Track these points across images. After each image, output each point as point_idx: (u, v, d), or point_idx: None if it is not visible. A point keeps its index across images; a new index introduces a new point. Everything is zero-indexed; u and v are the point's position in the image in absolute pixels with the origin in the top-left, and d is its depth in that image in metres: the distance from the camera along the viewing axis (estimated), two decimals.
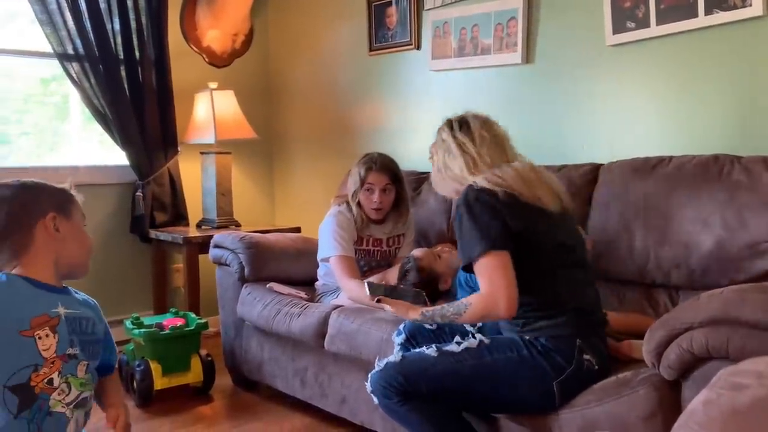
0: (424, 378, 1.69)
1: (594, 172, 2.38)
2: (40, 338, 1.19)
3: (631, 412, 1.54)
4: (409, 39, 3.18)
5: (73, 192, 1.43)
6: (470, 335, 1.80)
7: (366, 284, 1.99)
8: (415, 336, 1.94)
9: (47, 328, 1.21)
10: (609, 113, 2.56)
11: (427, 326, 1.94)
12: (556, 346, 1.67)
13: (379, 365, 1.77)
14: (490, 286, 1.64)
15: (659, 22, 2.35)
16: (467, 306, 1.68)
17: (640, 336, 1.67)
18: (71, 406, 1.23)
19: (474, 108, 2.94)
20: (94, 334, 1.31)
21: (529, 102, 2.81)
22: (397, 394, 1.70)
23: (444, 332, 1.92)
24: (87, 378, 1.27)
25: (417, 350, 1.79)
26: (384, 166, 2.58)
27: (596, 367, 1.67)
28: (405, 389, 1.69)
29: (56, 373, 1.20)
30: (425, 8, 3.11)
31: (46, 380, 1.18)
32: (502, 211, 1.67)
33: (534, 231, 1.70)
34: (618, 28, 2.46)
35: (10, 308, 1.21)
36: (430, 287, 2.28)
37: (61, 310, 1.26)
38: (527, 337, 1.70)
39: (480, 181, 1.72)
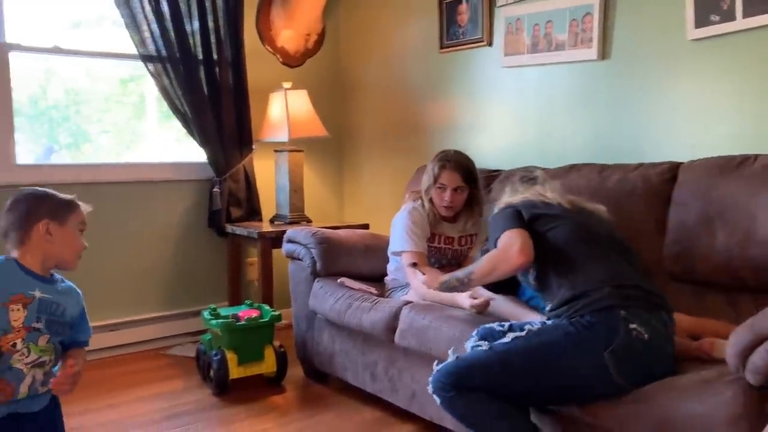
0: (476, 370, 1.77)
1: (673, 170, 2.31)
2: (12, 311, 1.54)
3: (715, 414, 1.50)
4: (480, 36, 3.17)
5: (77, 203, 1.78)
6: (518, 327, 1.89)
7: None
8: (487, 339, 1.94)
9: (20, 304, 1.56)
10: (689, 111, 2.48)
11: (497, 327, 1.95)
12: (600, 320, 1.70)
13: (437, 367, 1.83)
14: (502, 243, 1.90)
15: (746, 14, 2.26)
16: (479, 261, 1.93)
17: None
18: (29, 366, 1.56)
19: (549, 105, 2.95)
20: (61, 317, 1.62)
21: (604, 99, 2.75)
22: (453, 388, 1.76)
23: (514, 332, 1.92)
24: (46, 347, 1.59)
25: (469, 351, 1.86)
26: (458, 165, 2.56)
27: (646, 336, 1.67)
28: (459, 383, 1.75)
29: (20, 339, 1.54)
30: (497, 5, 3.09)
31: (10, 343, 1.53)
32: (518, 212, 2.00)
33: (552, 218, 1.94)
34: (701, 21, 2.38)
35: (4, 282, 1.56)
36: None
37: (37, 293, 1.59)
38: (573, 319, 1.75)
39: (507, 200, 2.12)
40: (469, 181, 2.59)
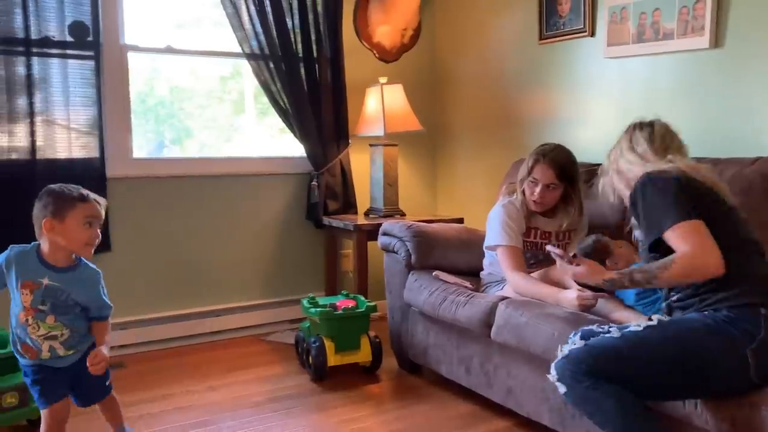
0: (612, 358, 1.66)
1: None
2: (22, 294, 1.89)
3: None
4: (582, 26, 3.08)
5: (81, 200, 1.91)
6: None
7: (548, 249, 2.00)
8: (588, 338, 1.87)
9: (28, 289, 1.88)
10: None
11: (597, 329, 1.85)
12: (739, 316, 1.61)
13: (562, 352, 1.74)
14: (693, 246, 1.63)
15: None
16: (670, 264, 1.64)
17: None
18: (41, 338, 1.91)
19: (655, 96, 2.83)
20: (66, 301, 1.91)
21: (716, 90, 2.61)
22: (588, 377, 1.65)
23: None
24: (54, 325, 1.91)
25: (599, 337, 1.75)
26: (553, 161, 2.49)
27: None
28: (595, 371, 1.65)
29: (30, 317, 1.89)
30: None
31: (24, 319, 1.90)
32: (684, 187, 1.71)
33: (711, 207, 1.71)
34: None
35: (22, 268, 1.90)
36: (600, 255, 2.21)
37: (45, 281, 1.89)
38: (706, 312, 1.66)
39: (652, 167, 1.81)
40: (564, 178, 2.51)
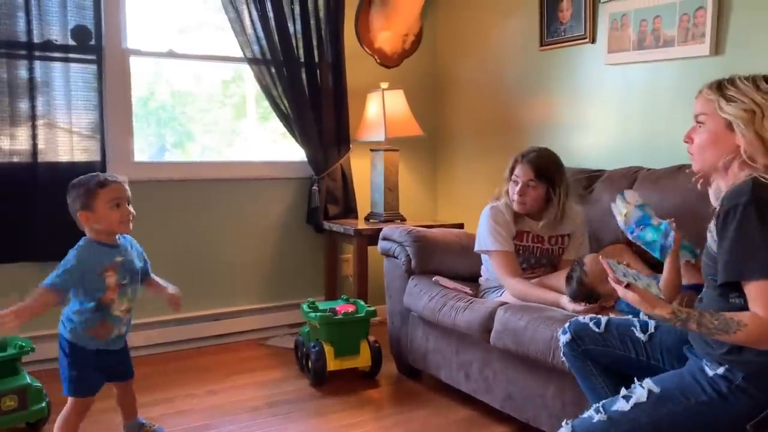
0: None
1: None
2: (108, 277, 2.04)
3: None
4: (583, 32, 3.09)
5: (102, 185, 2.04)
6: (636, 384, 1.60)
7: (605, 262, 1.66)
8: (581, 337, 1.86)
9: (112, 270, 2.05)
10: None
11: (594, 329, 1.84)
12: (754, 385, 1.47)
13: None
14: None
15: None
16: (740, 327, 1.43)
17: None
18: (123, 311, 2.11)
19: (656, 103, 2.83)
20: (134, 268, 2.13)
21: None
22: None
23: (612, 336, 1.81)
24: (132, 296, 2.13)
25: (585, 416, 1.62)
26: (531, 160, 2.52)
27: None
28: None
29: (116, 294, 2.07)
30: (602, 1, 3.00)
31: (110, 298, 2.06)
32: None
33: None
34: None
35: (96, 260, 2.03)
36: (590, 300, 2.20)
37: (118, 259, 2.08)
38: (719, 371, 1.51)
39: None
40: (543, 177, 2.52)
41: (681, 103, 2.75)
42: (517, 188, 2.53)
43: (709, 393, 1.51)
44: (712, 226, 1.54)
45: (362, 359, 2.87)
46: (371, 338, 2.92)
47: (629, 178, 2.71)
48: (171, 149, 3.64)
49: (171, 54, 3.43)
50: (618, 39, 2.93)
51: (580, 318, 1.90)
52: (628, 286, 1.58)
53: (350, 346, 2.86)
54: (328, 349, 2.81)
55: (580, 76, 3.17)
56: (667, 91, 2.79)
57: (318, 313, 2.84)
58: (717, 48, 2.58)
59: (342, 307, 2.93)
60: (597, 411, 1.59)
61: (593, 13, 3.05)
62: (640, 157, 2.84)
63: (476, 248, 2.66)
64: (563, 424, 1.65)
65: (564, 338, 1.89)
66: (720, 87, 1.59)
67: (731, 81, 1.59)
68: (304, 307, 2.96)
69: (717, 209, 1.53)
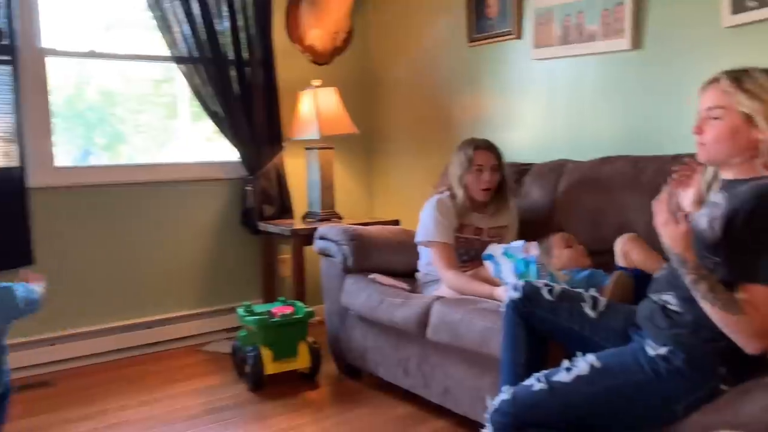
0: (537, 413, 1.64)
1: None
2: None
3: (753, 423, 1.44)
4: (510, 28, 3.14)
5: None
6: (579, 357, 1.67)
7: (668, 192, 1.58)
8: (531, 299, 1.85)
9: None
10: None
11: (547, 295, 1.84)
12: (692, 368, 1.54)
13: (493, 404, 1.70)
14: (764, 322, 1.44)
15: None
16: (739, 312, 1.45)
17: None
18: None
19: (580, 97, 2.91)
20: None
21: (637, 89, 2.71)
22: (513, 429, 1.65)
23: (562, 307, 1.83)
24: None
25: (526, 383, 1.68)
26: (490, 145, 2.63)
27: (730, 389, 1.54)
28: (520, 424, 1.64)
29: None
30: None
31: None
32: None
33: None
34: (738, 7, 2.32)
35: None
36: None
37: None
38: (661, 351, 1.58)
39: None
40: (500, 161, 2.63)
41: (604, 96, 2.83)
42: (485, 175, 2.58)
43: (647, 371, 1.58)
44: (717, 213, 1.53)
45: (301, 361, 2.84)
46: (310, 339, 2.89)
47: (556, 171, 2.77)
48: (97, 153, 3.50)
49: (92, 54, 3.29)
50: (543, 34, 2.99)
51: (535, 282, 1.91)
52: (686, 216, 1.53)
53: (288, 348, 2.82)
54: (266, 353, 2.77)
55: (508, 71, 3.22)
56: (591, 85, 2.87)
57: (254, 317, 2.79)
58: (636, 43, 2.67)
59: (279, 309, 2.89)
60: (538, 380, 1.66)
61: (519, 9, 3.10)
62: (566, 149, 2.90)
63: (417, 239, 2.67)
64: (503, 389, 1.71)
65: (514, 294, 1.88)
66: (738, 80, 1.58)
67: (748, 73, 1.58)
68: (240, 311, 2.90)
69: (737, 202, 1.50)
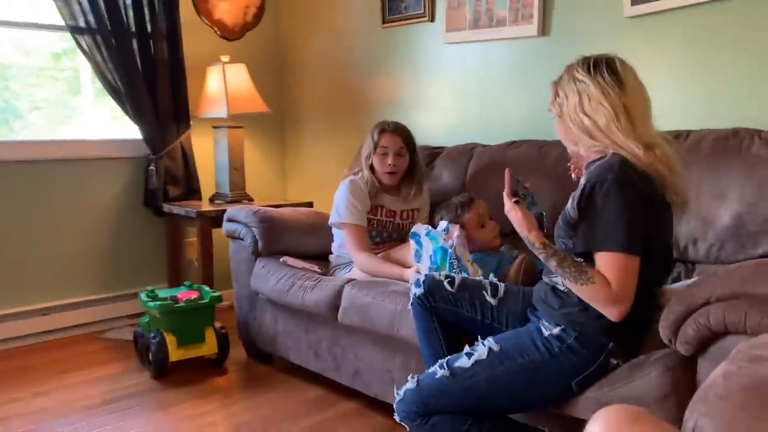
0: (441, 399, 1.66)
1: None
2: None
3: (644, 395, 1.53)
4: (422, 11, 3.14)
5: None
6: (479, 342, 1.70)
7: (508, 173, 1.68)
8: (434, 293, 1.89)
9: None
10: None
11: (448, 287, 1.87)
12: (584, 345, 1.59)
13: (399, 394, 1.72)
14: (619, 287, 1.50)
15: None
16: (588, 282, 1.52)
17: None
18: None
19: (490, 82, 2.95)
20: None
21: (544, 75, 2.74)
22: (420, 416, 1.67)
23: (463, 297, 1.87)
24: None
25: (430, 371, 1.71)
26: (397, 128, 2.62)
27: (623, 364, 1.61)
28: (425, 411, 1.67)
29: None
30: None
31: None
32: (649, 208, 1.53)
33: (654, 240, 1.57)
34: None
35: None
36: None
37: None
38: (554, 331, 1.63)
39: (637, 155, 1.53)
40: (409, 145, 2.62)
41: (512, 81, 2.88)
42: (389, 159, 2.57)
43: (542, 351, 1.63)
44: (576, 194, 1.60)
45: (208, 347, 2.76)
46: (217, 324, 2.81)
47: (466, 154, 2.80)
48: None
49: None
50: (455, 18, 3.01)
51: (436, 275, 1.94)
52: (517, 203, 1.65)
53: (194, 334, 2.73)
54: (170, 339, 2.67)
55: (421, 54, 3.23)
56: (501, 70, 2.92)
57: (157, 302, 2.68)
58: (544, 29, 2.73)
59: (184, 293, 2.79)
60: (441, 366, 1.69)
61: None
62: (476, 133, 2.95)
63: (330, 221, 2.65)
64: (409, 378, 1.73)
65: (417, 291, 1.92)
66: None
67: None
68: (143, 296, 2.78)
69: (585, 181, 1.58)
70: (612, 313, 1.54)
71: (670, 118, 2.37)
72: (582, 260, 1.58)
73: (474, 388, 1.65)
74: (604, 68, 1.60)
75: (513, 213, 1.65)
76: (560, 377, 1.62)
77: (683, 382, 1.51)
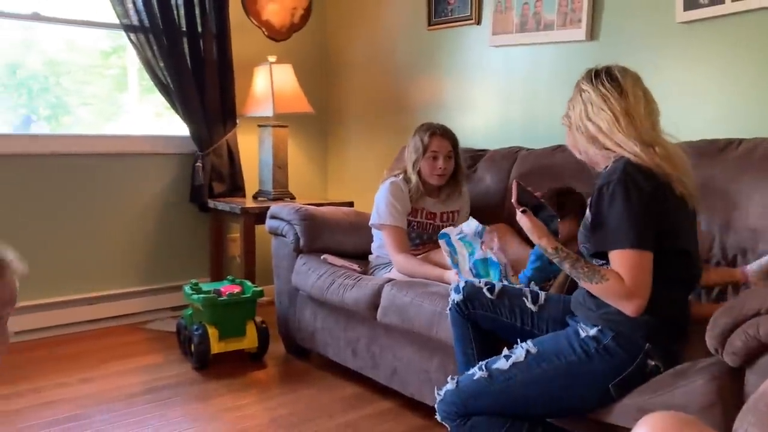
0: (480, 400, 1.68)
1: None
2: None
3: (688, 404, 1.50)
4: (469, 13, 3.14)
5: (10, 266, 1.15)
6: (518, 345, 1.72)
7: (516, 183, 1.76)
8: (473, 300, 1.89)
9: None
10: (676, 93, 2.48)
11: (487, 294, 1.88)
12: (620, 345, 1.59)
13: (439, 395, 1.74)
14: (632, 283, 1.54)
15: None
16: (602, 280, 1.57)
17: None
18: None
19: (536, 86, 2.93)
20: None
21: None
22: (459, 417, 1.70)
23: (503, 304, 1.88)
24: None
25: (469, 373, 1.73)
26: (446, 132, 2.62)
27: (662, 368, 1.60)
28: (465, 412, 1.69)
29: None
30: None
31: None
32: (658, 204, 1.57)
33: (670, 235, 1.60)
34: (690, 4, 2.37)
35: None
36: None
37: None
38: (591, 332, 1.63)
39: (638, 154, 1.58)
40: (456, 148, 2.64)
41: (559, 85, 2.85)
42: (440, 162, 2.58)
43: (578, 353, 1.63)
44: (590, 201, 1.67)
45: (248, 341, 2.81)
46: (258, 319, 2.85)
47: (510, 158, 2.79)
48: (38, 121, 3.36)
49: (36, 17, 3.14)
50: (502, 21, 3.00)
51: (476, 282, 1.94)
52: (524, 211, 1.73)
53: (236, 327, 2.78)
54: (212, 332, 2.72)
55: (466, 56, 3.22)
56: (547, 74, 2.90)
57: (201, 295, 2.74)
58: (592, 33, 2.70)
59: (227, 288, 2.84)
60: (480, 368, 1.71)
61: None
62: (521, 136, 2.93)
63: (371, 222, 2.66)
64: (448, 379, 1.75)
65: (456, 297, 1.92)
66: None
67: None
68: (187, 289, 2.84)
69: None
70: (628, 308, 1.56)
71: (722, 126, 2.33)
72: (603, 262, 1.62)
73: (511, 389, 1.65)
74: (604, 76, 1.67)
75: (523, 221, 1.73)
76: (597, 379, 1.61)
77: (730, 391, 1.48)
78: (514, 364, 1.67)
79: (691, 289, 1.73)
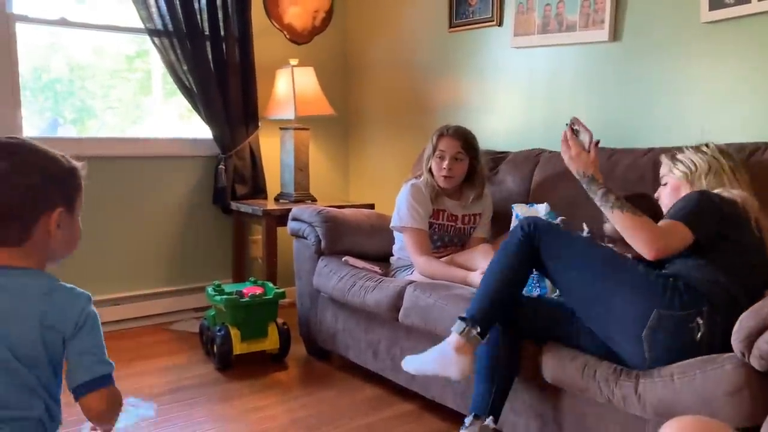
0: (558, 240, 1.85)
1: None
2: None
3: (716, 388, 1.50)
4: (490, 15, 3.13)
5: (83, 172, 1.20)
6: None
7: (577, 119, 1.97)
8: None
9: None
10: (701, 95, 2.46)
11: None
12: (686, 291, 1.65)
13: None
14: (661, 236, 1.71)
15: None
16: (636, 213, 1.74)
17: None
18: None
19: (558, 87, 2.91)
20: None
21: (615, 81, 2.72)
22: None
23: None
24: None
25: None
26: (456, 132, 2.59)
27: (698, 338, 1.61)
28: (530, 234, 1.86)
29: None
30: None
31: None
32: (728, 220, 1.76)
33: (730, 240, 1.76)
34: (715, 4, 2.34)
35: None
36: None
37: None
38: (667, 272, 1.74)
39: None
40: (469, 150, 2.59)
41: (581, 87, 2.84)
42: (445, 162, 2.56)
43: (651, 278, 1.71)
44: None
45: (270, 342, 2.82)
46: (280, 320, 2.87)
47: (532, 160, 2.78)
48: (65, 124, 3.41)
49: (63, 22, 3.20)
50: (523, 22, 2.99)
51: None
52: (575, 132, 1.93)
53: (258, 328, 2.80)
54: (234, 333, 2.75)
55: (488, 58, 3.21)
56: (569, 76, 2.88)
57: (223, 296, 2.76)
58: (615, 34, 2.68)
59: (249, 289, 2.87)
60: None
61: None
62: (543, 139, 2.91)
63: (392, 224, 2.67)
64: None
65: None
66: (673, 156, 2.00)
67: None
68: (209, 290, 2.87)
69: None
70: (646, 248, 1.70)
71: (749, 129, 2.29)
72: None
73: (588, 255, 1.80)
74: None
75: (585, 155, 1.90)
76: (650, 297, 1.66)
77: (758, 378, 1.47)
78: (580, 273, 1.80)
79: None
